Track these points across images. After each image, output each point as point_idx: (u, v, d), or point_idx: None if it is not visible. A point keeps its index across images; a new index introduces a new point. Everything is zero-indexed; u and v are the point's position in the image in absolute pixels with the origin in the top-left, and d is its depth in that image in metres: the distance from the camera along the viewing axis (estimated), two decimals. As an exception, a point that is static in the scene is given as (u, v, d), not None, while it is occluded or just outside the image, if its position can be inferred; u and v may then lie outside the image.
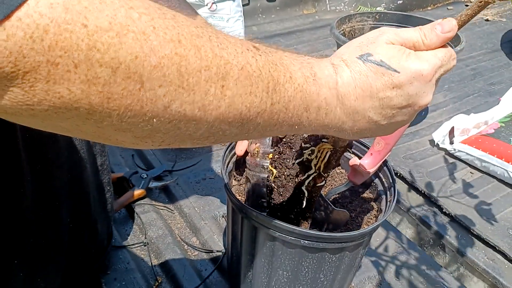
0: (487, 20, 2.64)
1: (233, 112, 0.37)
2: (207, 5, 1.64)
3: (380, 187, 0.88)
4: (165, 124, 0.33)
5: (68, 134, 0.34)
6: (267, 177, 0.75)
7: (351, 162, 0.84)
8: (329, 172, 0.68)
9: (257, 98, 0.38)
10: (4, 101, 0.28)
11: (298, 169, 0.70)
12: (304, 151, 0.67)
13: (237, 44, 0.38)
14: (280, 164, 0.77)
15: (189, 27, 0.34)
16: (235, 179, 0.91)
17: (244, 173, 0.91)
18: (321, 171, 0.67)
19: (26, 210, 0.66)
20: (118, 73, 0.29)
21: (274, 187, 0.77)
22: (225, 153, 0.85)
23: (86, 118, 0.30)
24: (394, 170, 1.33)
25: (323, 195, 0.83)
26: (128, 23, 0.29)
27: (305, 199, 0.72)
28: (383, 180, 0.87)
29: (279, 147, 0.78)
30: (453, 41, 1.49)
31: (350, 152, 0.68)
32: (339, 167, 0.97)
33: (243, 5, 1.96)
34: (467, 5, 2.90)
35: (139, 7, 0.31)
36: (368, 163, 0.82)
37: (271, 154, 0.75)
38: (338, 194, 0.87)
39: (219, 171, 1.29)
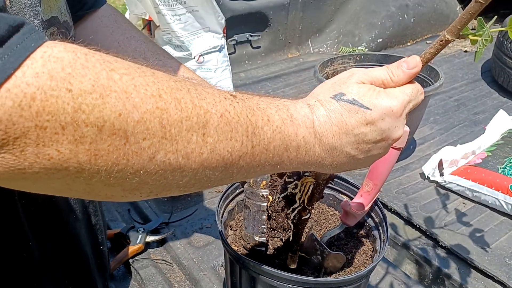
0: (465, 51, 2.74)
1: (216, 157, 0.39)
2: (194, 57, 1.70)
3: (373, 227, 0.89)
4: (152, 175, 0.35)
5: (58, 194, 0.35)
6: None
7: (343, 204, 0.86)
8: (313, 205, 0.70)
9: (237, 142, 0.40)
10: None
11: (284, 203, 0.71)
12: (288, 186, 0.69)
13: (214, 94, 0.40)
14: (273, 190, 0.78)
15: (169, 82, 0.36)
16: (230, 229, 0.92)
17: (242, 206, 0.92)
18: (305, 204, 0.69)
19: (34, 274, 0.66)
20: (104, 131, 0.31)
21: (270, 212, 0.78)
22: (219, 203, 0.87)
23: (75, 176, 0.32)
24: (388, 206, 1.35)
25: (318, 238, 0.84)
26: (110, 84, 0.32)
27: (291, 233, 0.74)
28: (375, 219, 0.89)
29: (271, 175, 0.80)
30: (433, 77, 1.54)
31: (331, 184, 0.71)
32: (333, 209, 0.99)
33: (229, 54, 2.03)
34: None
35: (119, 69, 0.33)
36: (359, 204, 0.84)
37: (264, 182, 0.77)
38: (333, 236, 0.89)
39: (215, 219, 1.30)
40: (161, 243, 1.23)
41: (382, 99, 0.49)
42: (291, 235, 0.75)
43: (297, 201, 0.70)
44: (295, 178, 0.69)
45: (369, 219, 0.91)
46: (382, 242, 0.83)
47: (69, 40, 0.63)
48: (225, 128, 0.39)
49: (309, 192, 0.68)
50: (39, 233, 0.67)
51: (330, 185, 0.99)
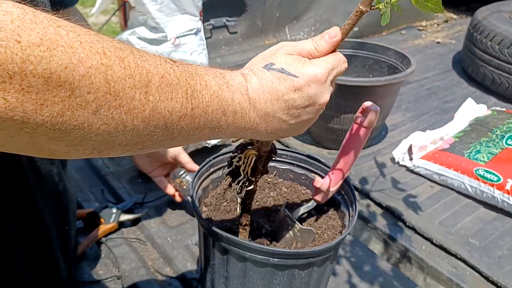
0: (438, 42, 2.81)
1: (157, 116, 0.41)
2: (170, 40, 1.69)
3: (343, 204, 0.92)
4: (95, 129, 0.37)
5: (0, 149, 0.36)
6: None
7: (314, 182, 0.88)
8: (258, 178, 0.73)
9: (177, 103, 0.43)
10: None
11: (231, 179, 0.74)
12: (233, 160, 0.72)
13: (155, 57, 0.43)
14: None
15: (112, 42, 0.39)
16: (205, 206, 0.93)
17: (216, 184, 0.94)
18: (249, 175, 0.72)
19: None
20: (50, 82, 0.33)
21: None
22: (194, 180, 0.88)
23: (20, 127, 0.33)
24: (358, 188, 1.39)
25: (290, 215, 0.87)
26: (57, 38, 0.33)
27: (238, 206, 0.77)
28: (345, 197, 0.92)
29: None
30: (405, 64, 1.58)
31: (274, 157, 0.74)
32: (305, 188, 1.01)
33: (206, 38, 2.02)
34: (419, 29, 3.04)
35: (66, 26, 0.35)
36: (330, 181, 0.87)
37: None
38: (304, 213, 0.91)
39: (189, 200, 1.31)
40: (134, 222, 1.23)
41: (307, 68, 0.54)
42: (239, 209, 0.78)
43: (242, 173, 0.73)
44: (239, 152, 0.73)
45: (339, 196, 0.94)
46: (351, 217, 0.86)
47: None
48: (166, 89, 0.41)
49: (252, 164, 0.72)
50: (3, 203, 0.67)
51: (302, 164, 1.01)
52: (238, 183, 0.72)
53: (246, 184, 0.73)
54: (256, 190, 0.77)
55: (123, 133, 0.39)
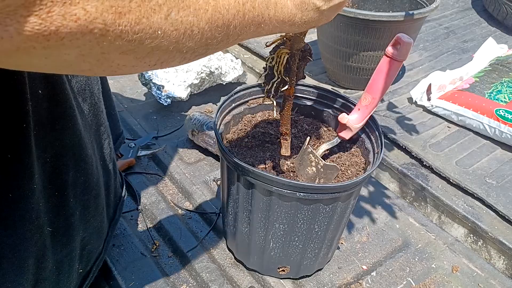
0: (457, -21, 2.67)
1: (217, 15, 0.40)
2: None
3: (367, 141, 0.91)
4: (167, 36, 0.36)
5: (65, 70, 0.34)
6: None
7: (340, 117, 0.87)
8: (293, 79, 0.71)
9: None
10: (20, 36, 0.27)
11: (265, 84, 0.73)
12: (266, 63, 0.71)
13: None
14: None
15: None
16: (226, 141, 0.93)
17: (237, 120, 0.93)
18: (282, 75, 0.70)
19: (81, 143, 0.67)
20: None
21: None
22: (217, 114, 0.87)
23: (97, 42, 0.31)
24: (376, 127, 1.38)
25: (313, 151, 0.86)
26: None
27: (274, 110, 0.76)
28: (370, 134, 0.91)
29: None
30: (428, -1, 1.51)
31: (311, 60, 0.72)
32: (327, 126, 1.00)
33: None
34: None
35: None
36: (356, 118, 0.85)
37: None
38: (327, 150, 0.90)
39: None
40: (152, 159, 1.23)
41: None
42: (275, 113, 0.78)
43: (275, 73, 0.71)
44: (271, 53, 0.71)
45: (363, 134, 0.93)
46: (376, 154, 0.85)
47: None
48: None
49: (284, 62, 0.70)
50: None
51: (325, 101, 0.99)
52: (272, 85, 0.71)
53: (281, 85, 0.71)
54: (294, 94, 0.74)
55: (189, 38, 0.38)
